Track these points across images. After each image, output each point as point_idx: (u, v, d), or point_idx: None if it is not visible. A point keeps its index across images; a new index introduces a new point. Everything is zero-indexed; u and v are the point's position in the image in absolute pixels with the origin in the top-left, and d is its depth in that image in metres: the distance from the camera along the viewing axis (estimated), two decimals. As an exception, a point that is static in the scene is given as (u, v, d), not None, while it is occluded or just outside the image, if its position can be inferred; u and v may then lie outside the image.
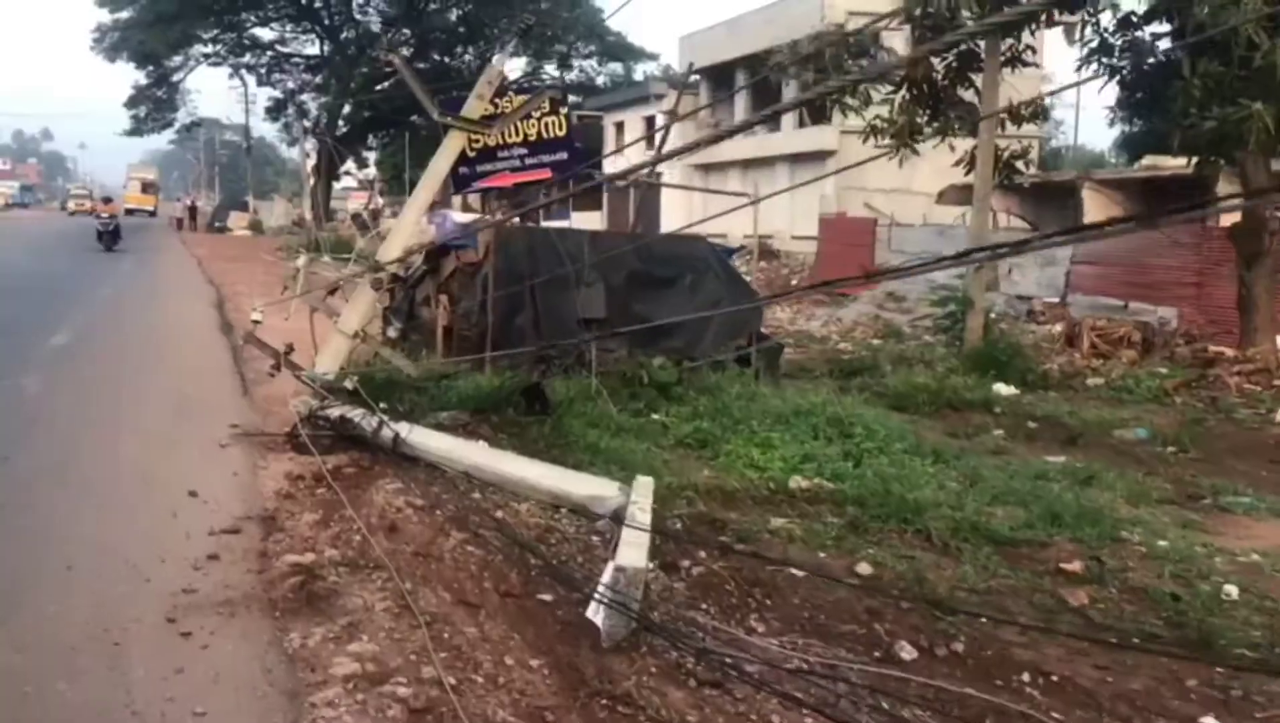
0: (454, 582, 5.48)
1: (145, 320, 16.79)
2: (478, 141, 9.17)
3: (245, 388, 10.81)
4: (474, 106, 8.60)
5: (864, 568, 6.16)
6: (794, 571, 5.94)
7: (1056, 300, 28.20)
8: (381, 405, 8.93)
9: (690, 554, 6.14)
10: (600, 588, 4.82)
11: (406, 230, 8.68)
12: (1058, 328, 26.10)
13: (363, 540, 6.03)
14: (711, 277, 12.76)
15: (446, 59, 57.69)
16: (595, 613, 4.75)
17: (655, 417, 10.29)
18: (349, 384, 8.80)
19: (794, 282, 34.95)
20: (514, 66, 59.53)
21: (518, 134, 9.24)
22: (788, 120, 41.37)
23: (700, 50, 44.26)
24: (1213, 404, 13.27)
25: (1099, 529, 7.20)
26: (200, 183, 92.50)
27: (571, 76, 60.32)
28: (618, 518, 6.74)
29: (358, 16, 56.33)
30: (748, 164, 41.72)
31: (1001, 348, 15.54)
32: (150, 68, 53.42)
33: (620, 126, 49.41)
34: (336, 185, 64.09)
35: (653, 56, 63.20)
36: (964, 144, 17.83)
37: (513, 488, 7.29)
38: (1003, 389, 14.05)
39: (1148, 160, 31.39)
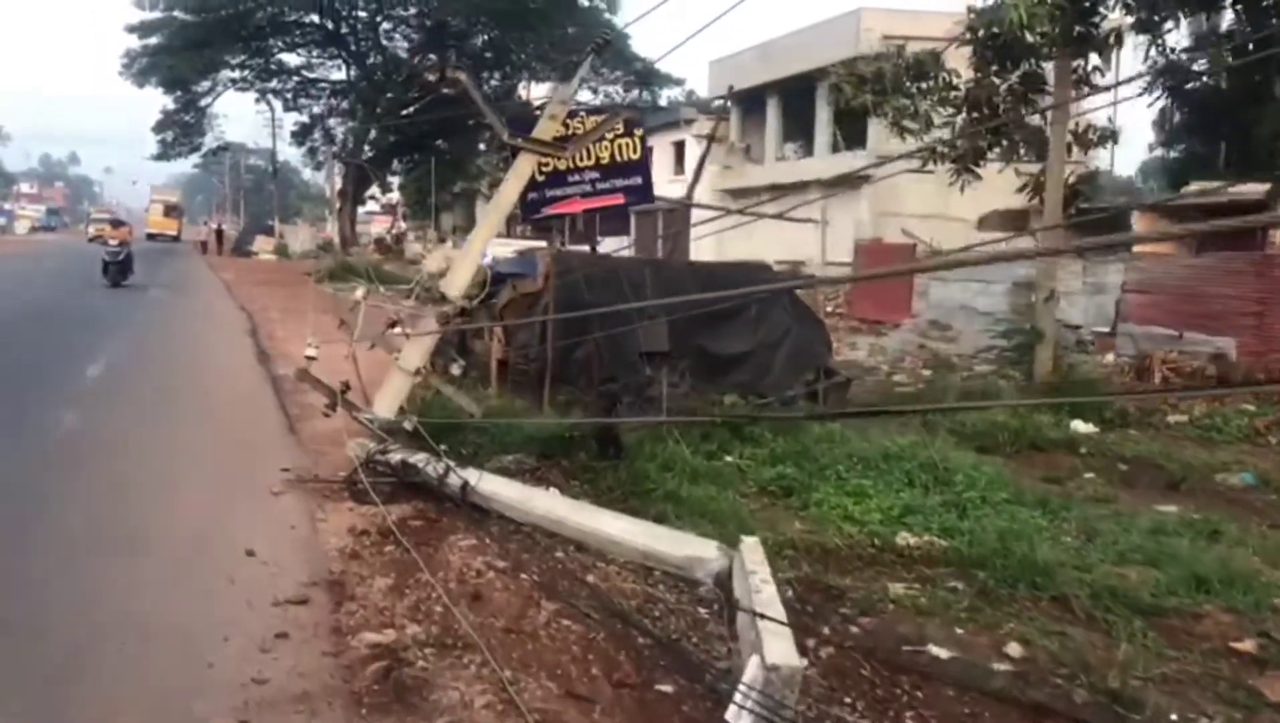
0: (557, 667, 4.77)
1: (178, 350, 16.16)
2: (547, 165, 8.55)
3: (291, 425, 10.17)
4: (546, 128, 7.98)
5: (1014, 649, 5.42)
6: (936, 651, 5.22)
7: (1106, 330, 27.39)
8: (442, 447, 8.27)
9: (812, 630, 5.42)
10: (743, 688, 4.10)
11: (472, 261, 8.05)
12: (1110, 357, 25.37)
13: (445, 612, 5.34)
14: (778, 307, 12.08)
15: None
16: (738, 719, 4.03)
17: (729, 459, 9.60)
18: (408, 425, 8.13)
19: (828, 309, 34.26)
20: (539, 93, 59.54)
21: (589, 157, 8.62)
22: (821, 145, 40.75)
23: (730, 75, 43.80)
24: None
25: (1253, 597, 6.43)
26: (225, 207, 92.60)
27: (598, 101, 60.02)
28: (721, 584, 6.06)
29: (384, 42, 56.21)
30: (777, 189, 41.01)
31: (1074, 382, 14.77)
32: (178, 92, 53.35)
33: (649, 151, 48.87)
34: (360, 210, 63.88)
35: (678, 82, 62.92)
36: (1026, 168, 17.11)
37: (598, 546, 6.60)
38: (1081, 426, 13.26)
39: (1195, 185, 30.57)
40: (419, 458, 7.77)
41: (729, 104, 46.56)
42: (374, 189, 66.67)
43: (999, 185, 23.61)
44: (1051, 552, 7.09)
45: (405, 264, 40.63)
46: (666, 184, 47.51)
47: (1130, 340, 24.65)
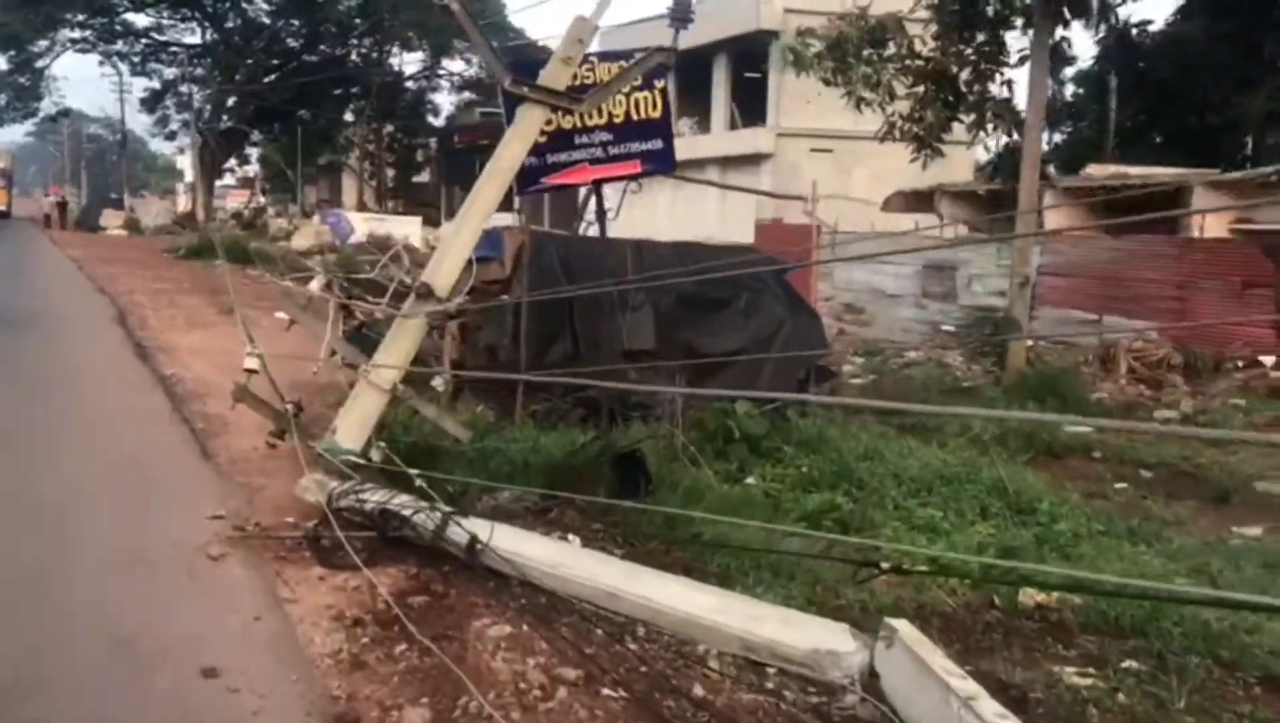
0: None
1: (33, 351, 13.49)
2: (550, 123, 6.74)
3: (203, 447, 8.12)
4: (556, 73, 6.18)
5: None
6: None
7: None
8: (419, 481, 6.45)
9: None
10: None
11: (464, 247, 6.21)
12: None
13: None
14: (769, 296, 10.53)
15: (339, 50, 54.26)
16: None
17: (751, 481, 8.04)
18: (376, 455, 6.28)
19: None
20: (411, 60, 56.69)
21: (600, 115, 6.86)
22: (718, 121, 39.46)
23: (624, 46, 42.09)
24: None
25: None
26: (63, 178, 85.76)
27: (471, 73, 57.56)
28: (866, 685, 4.49)
29: (244, 4, 52.27)
30: (725, 162, 39.57)
31: (1050, 376, 13.75)
32: (12, 52, 48.44)
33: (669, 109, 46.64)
34: (216, 183, 59.69)
35: (557, 53, 60.74)
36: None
37: (676, 629, 4.94)
38: (1078, 427, 12.21)
39: (1092, 169, 30.54)
40: (402, 502, 5.93)
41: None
42: (232, 161, 62.52)
43: (899, 167, 22.67)
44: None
45: (269, 241, 37.58)
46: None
47: (1048, 325, 24.14)
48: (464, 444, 6.70)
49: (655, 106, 7.01)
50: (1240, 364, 15.87)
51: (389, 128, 54.79)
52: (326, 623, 4.83)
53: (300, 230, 42.59)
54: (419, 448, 6.89)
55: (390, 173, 54.90)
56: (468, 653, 4.56)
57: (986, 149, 20.63)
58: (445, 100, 58.88)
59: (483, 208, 6.23)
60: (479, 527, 5.65)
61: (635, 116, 6.97)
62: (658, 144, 7.04)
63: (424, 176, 57.84)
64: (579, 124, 6.84)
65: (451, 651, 4.54)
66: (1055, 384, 13.62)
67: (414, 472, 6.39)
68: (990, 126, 14.52)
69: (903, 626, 4.60)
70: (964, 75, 15.00)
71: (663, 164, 7.11)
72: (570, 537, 6.35)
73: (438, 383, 6.39)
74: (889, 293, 29.46)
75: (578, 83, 6.63)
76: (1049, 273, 26.89)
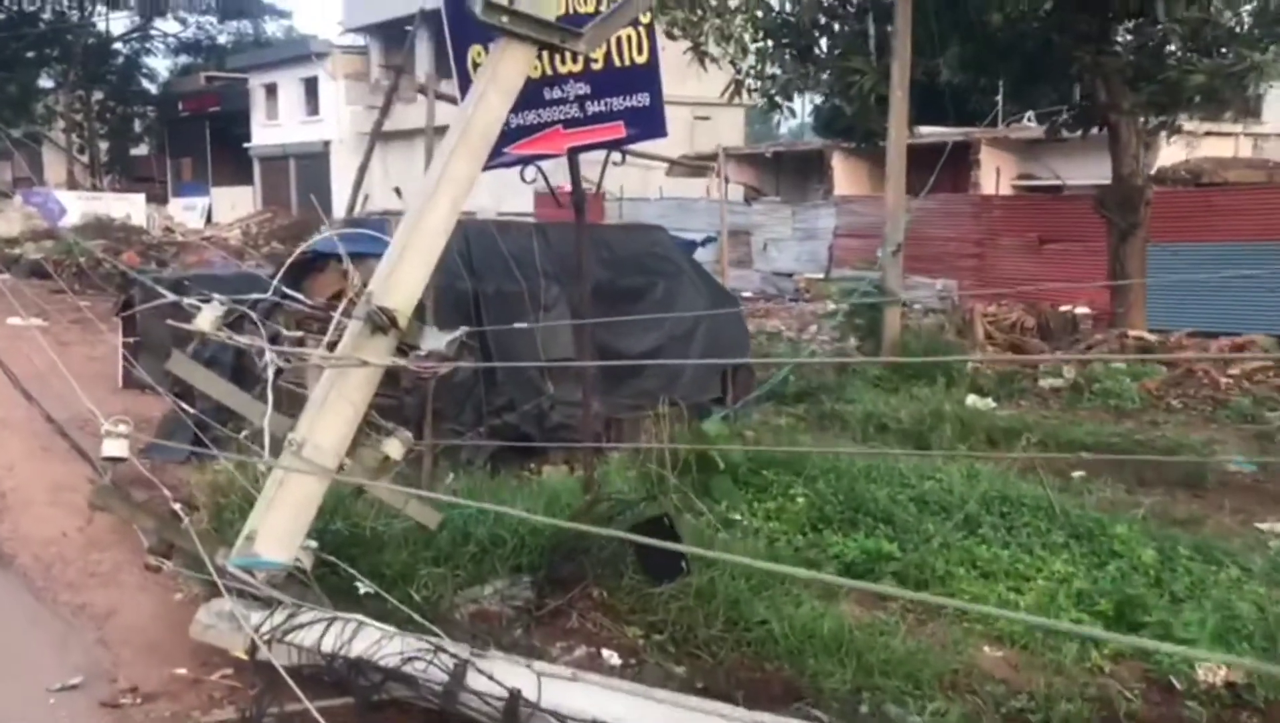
0: None
1: None
2: (515, 70, 4.80)
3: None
4: (544, -3, 4.26)
5: None
6: None
7: (820, 276, 26.62)
8: (361, 588, 4.46)
9: None
10: None
11: (428, 246, 4.17)
12: (830, 304, 24.46)
13: None
14: (687, 283, 8.94)
15: (26, 5, 47.49)
16: None
17: (739, 517, 6.45)
18: (303, 558, 4.19)
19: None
20: (117, 17, 50.44)
21: (574, 59, 4.96)
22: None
23: (370, 5, 38.80)
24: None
25: None
26: None
27: (188, 34, 52.12)
28: None
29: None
30: (437, 132, 36.88)
31: (934, 348, 12.94)
32: None
33: (272, 89, 42.61)
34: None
35: (284, 14, 56.19)
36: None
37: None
38: (979, 402, 11.41)
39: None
40: (377, 640, 3.91)
41: (366, 38, 41.52)
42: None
43: (676, 131, 21.63)
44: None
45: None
46: (299, 126, 41.72)
47: (838, 286, 23.80)
48: (433, 531, 4.70)
49: (641, 50, 5.19)
50: (1081, 323, 15.74)
51: (98, 95, 48.55)
52: None
53: (1, 214, 36.91)
54: (357, 539, 4.83)
55: (104, 145, 48.74)
56: None
57: (792, 112, 19.71)
58: (162, 65, 52.96)
59: (454, 188, 4.24)
60: (520, 677, 3.75)
61: (618, 62, 5.12)
62: (644, 99, 5.23)
63: (143, 149, 51.85)
64: (548, 71, 4.95)
65: None
66: (936, 355, 12.82)
67: (364, 582, 4.39)
68: (849, 82, 13.37)
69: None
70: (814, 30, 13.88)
71: (652, 126, 5.31)
72: (604, 652, 4.54)
73: (391, 447, 4.37)
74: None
75: (566, 11, 4.71)
76: (844, 234, 26.77)
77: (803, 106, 14.77)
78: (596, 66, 5.13)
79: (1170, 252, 16.00)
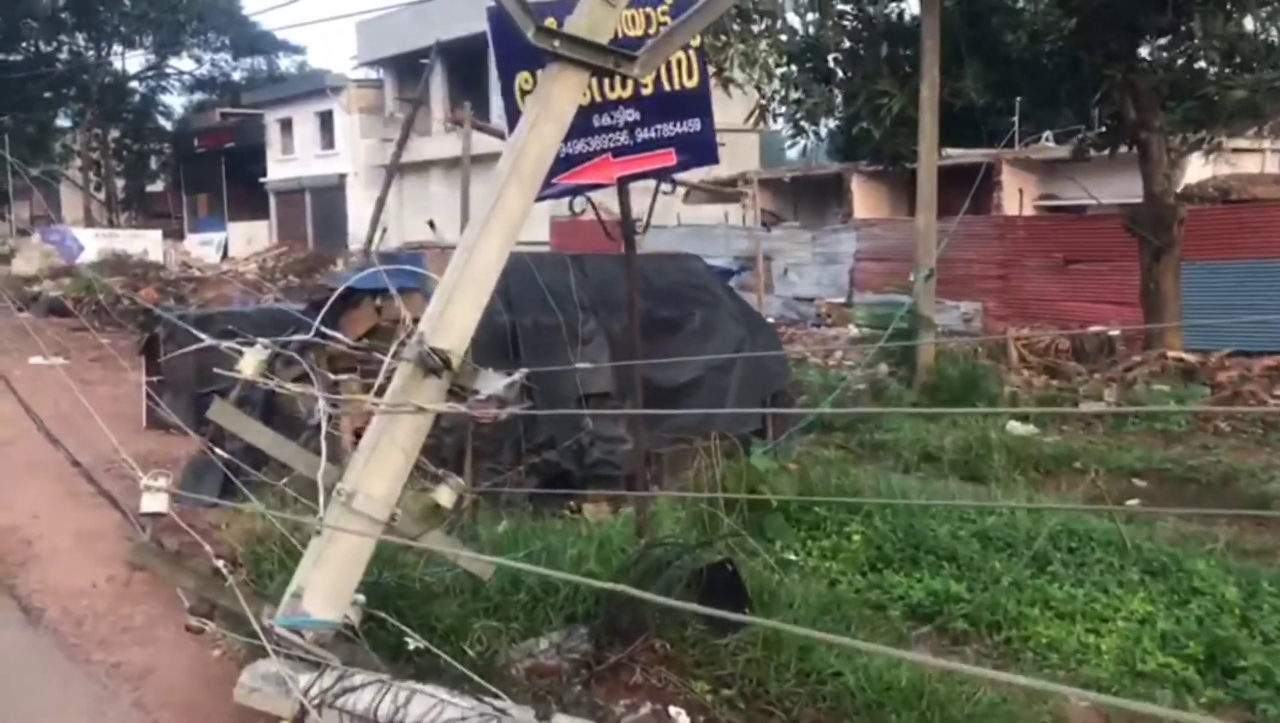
0: None
1: None
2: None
3: (24, 608, 5.40)
4: (597, 16, 4.01)
5: None
6: None
7: (841, 300, 26.37)
8: (410, 643, 4.20)
9: None
10: None
11: (482, 282, 3.95)
12: (853, 329, 24.22)
13: None
14: (725, 313, 8.70)
15: (44, 46, 47.90)
16: None
17: (794, 557, 6.18)
18: (350, 617, 3.94)
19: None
20: (133, 56, 50.77)
21: (623, 85, 4.75)
22: (498, 112, 37.09)
23: (384, 39, 38.94)
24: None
25: None
26: None
27: (203, 71, 52.49)
28: None
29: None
30: (452, 163, 36.92)
31: (973, 374, 12.65)
32: None
33: (288, 124, 42.74)
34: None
35: (297, 49, 56.43)
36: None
37: None
38: (1019, 428, 11.10)
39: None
40: (440, 702, 3.66)
41: (380, 71, 41.63)
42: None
43: None
44: None
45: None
46: (314, 160, 41.77)
47: (867, 311, 23.63)
48: (485, 582, 4.45)
49: (691, 73, 4.97)
50: (1118, 346, 15.40)
51: (114, 133, 48.85)
52: None
53: (20, 252, 37.07)
54: (405, 590, 4.58)
55: (120, 183, 48.98)
56: None
57: (818, 136, 19.51)
58: (177, 102, 53.31)
59: (507, 222, 4.01)
60: (586, 739, 3.48)
61: (667, 87, 4.90)
62: (694, 125, 5.01)
63: (159, 186, 52.09)
64: (596, 98, 4.73)
65: None
66: (975, 382, 12.55)
67: (414, 637, 4.14)
68: (878, 105, 13.18)
69: None
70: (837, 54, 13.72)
71: (703, 153, 5.08)
72: (671, 710, 4.27)
73: (443, 495, 4.13)
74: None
75: (618, 35, 4.48)
76: (866, 258, 26.51)
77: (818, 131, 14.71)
78: (646, 92, 4.92)
79: (1208, 270, 15.69)
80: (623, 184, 5.13)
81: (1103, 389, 12.82)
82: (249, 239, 42.15)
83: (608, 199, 5.68)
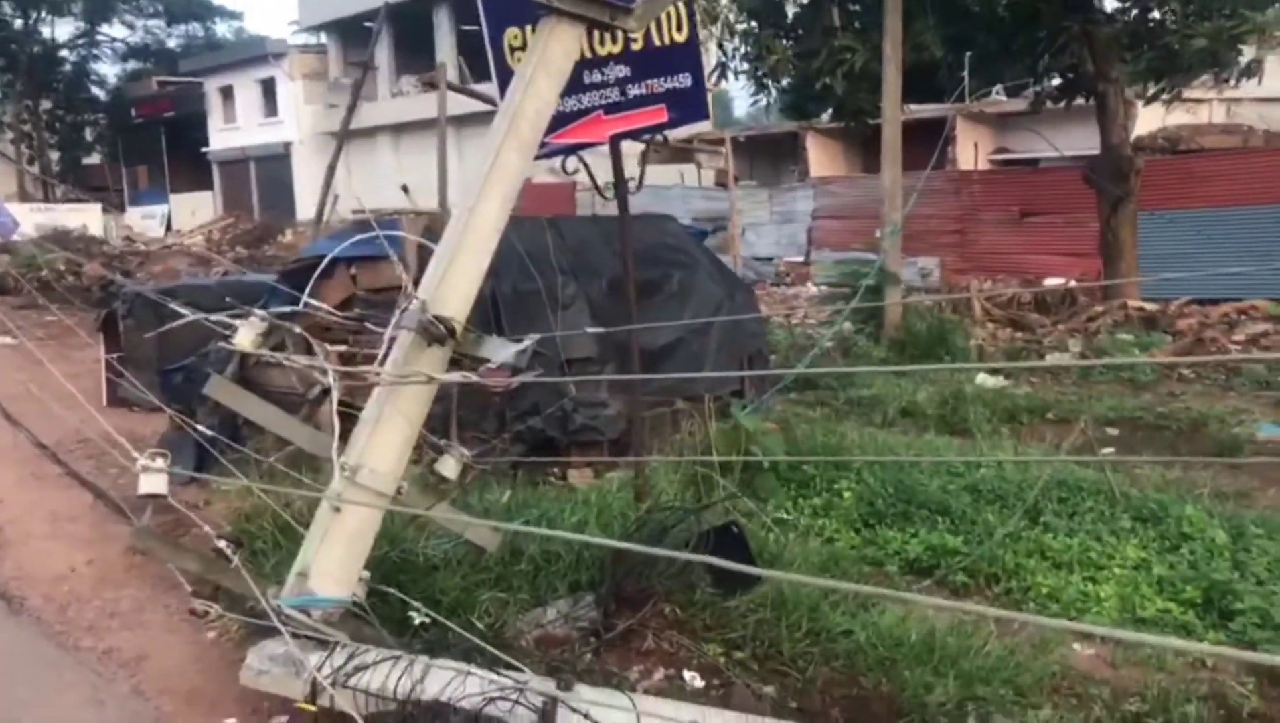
0: None
1: None
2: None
3: (6, 597, 5.21)
4: (592, -32, 3.90)
5: None
6: None
7: (800, 259, 26.41)
8: (415, 617, 4.11)
9: None
10: None
11: (481, 244, 3.82)
12: (812, 287, 24.29)
13: None
14: (702, 274, 8.62)
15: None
16: None
17: (787, 516, 6.16)
18: (358, 594, 3.85)
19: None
20: (63, 23, 49.17)
21: (613, 39, 4.62)
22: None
23: (326, 3, 38.08)
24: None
25: None
26: None
27: (136, 39, 50.99)
28: None
29: None
30: (400, 129, 36.37)
31: (940, 329, 12.71)
32: None
33: (229, 92, 41.75)
34: None
35: (234, 15, 55.09)
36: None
37: None
38: (989, 381, 11.18)
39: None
40: (449, 676, 3.58)
41: (323, 36, 40.74)
42: None
43: None
44: None
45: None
46: (258, 128, 40.86)
47: (835, 268, 23.71)
48: (489, 553, 4.36)
49: (680, 26, 4.85)
50: (1079, 297, 15.53)
51: (46, 104, 47.38)
52: None
53: (-50, 228, 35.94)
54: (408, 564, 4.48)
55: (54, 155, 47.60)
56: None
57: (782, 92, 19.37)
58: (111, 71, 51.79)
59: (505, 183, 3.88)
60: (608, 708, 3.43)
61: (657, 41, 4.76)
62: (685, 80, 4.88)
63: (95, 158, 50.70)
64: (587, 53, 4.59)
65: None
66: (943, 337, 12.61)
67: (421, 611, 4.05)
68: (840, 60, 13.07)
69: None
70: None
71: (694, 109, 4.97)
72: (685, 674, 4.22)
73: (447, 465, 4.02)
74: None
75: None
76: (823, 216, 26.54)
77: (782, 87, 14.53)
78: (636, 47, 4.79)
79: (1167, 220, 15.89)
80: (615, 142, 5.01)
81: (1067, 340, 12.94)
82: (193, 211, 41.17)
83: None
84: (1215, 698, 4.17)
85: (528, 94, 4.01)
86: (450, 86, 7.31)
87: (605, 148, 5.12)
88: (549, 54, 4.04)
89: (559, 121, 4.66)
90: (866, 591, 4.37)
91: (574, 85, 4.64)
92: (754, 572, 4.14)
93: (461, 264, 3.92)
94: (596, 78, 4.75)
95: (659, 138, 5.26)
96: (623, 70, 4.79)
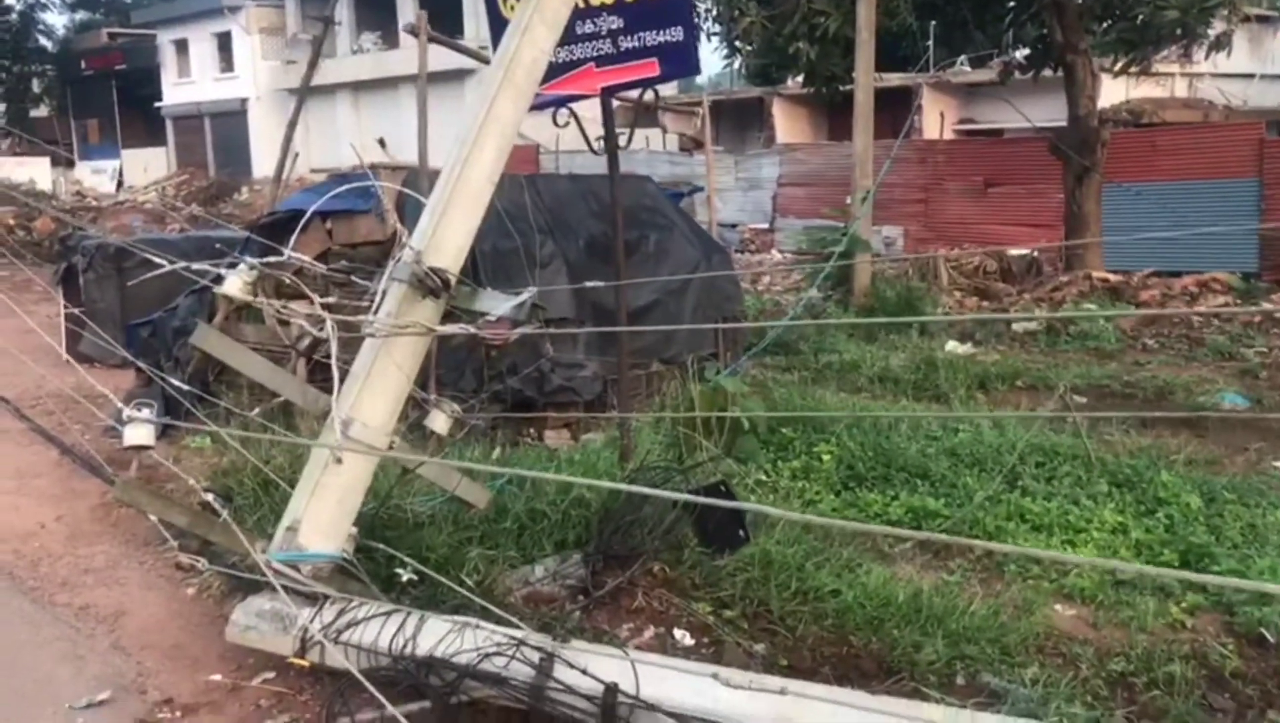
0: None
1: None
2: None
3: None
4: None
5: None
6: None
7: (765, 226, 26.39)
8: (403, 574, 4.07)
9: None
10: None
11: (476, 195, 3.73)
12: (776, 254, 24.36)
13: None
14: (679, 235, 8.57)
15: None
16: None
17: (763, 477, 6.16)
18: (348, 548, 3.79)
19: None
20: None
21: (606, -12, 4.52)
22: (409, 36, 35.89)
23: (285, -46, 37.25)
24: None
25: None
26: None
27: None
28: None
29: None
30: (359, 86, 35.78)
31: (900, 296, 12.78)
32: None
33: (183, 46, 40.77)
34: None
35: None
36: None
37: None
38: (959, 348, 11.27)
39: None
40: (443, 632, 3.54)
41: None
42: None
43: None
44: None
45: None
46: (213, 84, 39.96)
47: (792, 236, 23.83)
48: (479, 509, 4.30)
49: (670, -25, 4.77)
50: (1044, 267, 15.67)
51: (-10, 57, 46.01)
52: None
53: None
54: (395, 521, 4.41)
55: (0, 107, 46.30)
56: None
57: (756, 56, 19.26)
58: (59, 21, 50.35)
59: (500, 133, 3.78)
60: (603, 662, 3.41)
61: (651, -9, 4.70)
62: (677, 33, 4.79)
63: (43, 111, 49.33)
64: (579, 3, 4.49)
65: None
66: (911, 304, 12.68)
67: (411, 567, 4.00)
68: (813, 25, 12.99)
69: None
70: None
71: (685, 63, 4.89)
72: (676, 632, 4.21)
73: (438, 421, 3.95)
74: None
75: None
76: (789, 184, 26.51)
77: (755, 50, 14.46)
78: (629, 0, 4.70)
79: (1134, 192, 16.03)
80: (606, 95, 4.92)
81: (1034, 309, 13.06)
82: (145, 167, 40.25)
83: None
84: (1197, 658, 4.23)
85: (524, 41, 3.92)
86: (432, 38, 7.14)
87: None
88: (547, 1, 3.94)
89: (551, 73, 4.57)
90: (897, 531, 4.37)
91: (566, 36, 4.54)
92: (767, 511, 4.11)
93: (454, 217, 3.83)
94: (589, 28, 4.66)
95: (649, 93, 5.15)
96: (616, 21, 4.71)
